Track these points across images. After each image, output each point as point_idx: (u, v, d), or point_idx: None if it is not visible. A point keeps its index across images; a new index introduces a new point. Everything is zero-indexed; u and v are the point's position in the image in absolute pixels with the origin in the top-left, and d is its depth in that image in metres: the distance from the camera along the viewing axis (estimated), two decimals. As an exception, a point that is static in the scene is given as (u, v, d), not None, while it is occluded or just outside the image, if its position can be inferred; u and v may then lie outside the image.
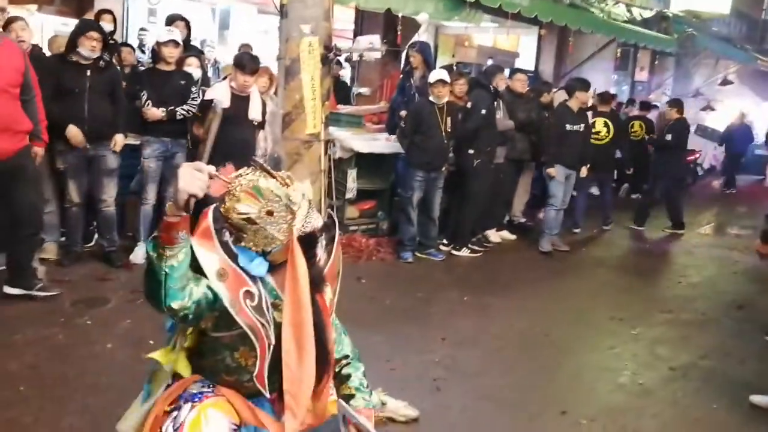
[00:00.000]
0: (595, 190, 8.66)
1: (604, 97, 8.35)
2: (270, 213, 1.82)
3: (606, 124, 7.92)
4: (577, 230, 7.81)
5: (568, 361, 4.15)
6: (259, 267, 1.88)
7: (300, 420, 1.86)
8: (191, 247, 1.75)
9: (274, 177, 1.84)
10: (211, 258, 1.80)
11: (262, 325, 1.85)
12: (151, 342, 3.75)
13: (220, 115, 5.00)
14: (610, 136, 7.92)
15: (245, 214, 1.81)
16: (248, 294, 1.83)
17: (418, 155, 5.92)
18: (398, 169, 6.55)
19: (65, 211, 4.95)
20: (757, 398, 3.62)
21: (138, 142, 5.19)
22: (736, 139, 13.28)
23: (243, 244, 1.86)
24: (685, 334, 4.78)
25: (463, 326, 4.55)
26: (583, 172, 6.99)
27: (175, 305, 1.70)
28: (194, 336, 2.02)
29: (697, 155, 12.29)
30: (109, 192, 5.00)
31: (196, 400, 1.91)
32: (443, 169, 6.08)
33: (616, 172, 9.43)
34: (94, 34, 4.62)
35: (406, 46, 7.09)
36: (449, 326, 4.52)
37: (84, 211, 5.06)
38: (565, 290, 5.65)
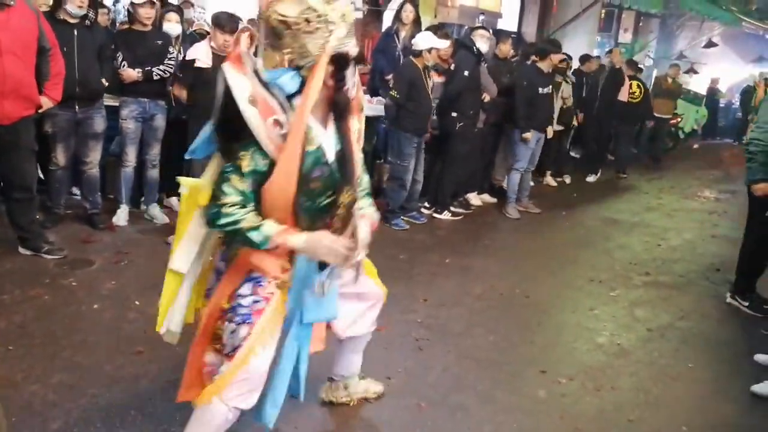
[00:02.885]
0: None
1: (633, 64, 9.69)
2: (308, 21, 1.85)
3: (639, 86, 9.29)
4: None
5: (548, 322, 4.22)
6: (292, 81, 1.93)
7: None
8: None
9: None
10: (243, 83, 1.86)
11: None
12: (137, 303, 3.79)
13: None
14: (642, 95, 9.30)
15: (284, 16, 1.85)
16: (277, 122, 1.89)
17: (412, 121, 5.74)
18: (380, 132, 6.48)
19: (49, 174, 4.90)
20: (757, 387, 3.45)
21: (117, 104, 5.12)
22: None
23: (282, 50, 1.91)
24: (663, 296, 4.85)
25: (445, 287, 4.60)
26: (549, 132, 6.91)
27: None
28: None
29: (679, 119, 12.29)
30: (95, 154, 4.97)
31: (248, 321, 2.01)
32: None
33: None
34: None
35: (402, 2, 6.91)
36: (431, 287, 4.57)
37: (68, 174, 5.03)
38: (545, 252, 5.70)
